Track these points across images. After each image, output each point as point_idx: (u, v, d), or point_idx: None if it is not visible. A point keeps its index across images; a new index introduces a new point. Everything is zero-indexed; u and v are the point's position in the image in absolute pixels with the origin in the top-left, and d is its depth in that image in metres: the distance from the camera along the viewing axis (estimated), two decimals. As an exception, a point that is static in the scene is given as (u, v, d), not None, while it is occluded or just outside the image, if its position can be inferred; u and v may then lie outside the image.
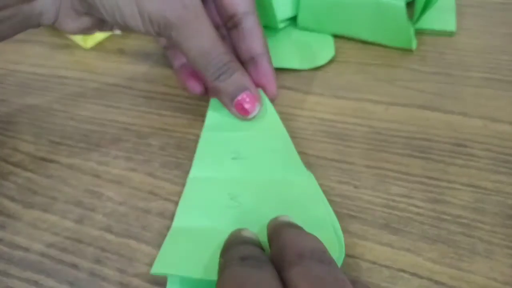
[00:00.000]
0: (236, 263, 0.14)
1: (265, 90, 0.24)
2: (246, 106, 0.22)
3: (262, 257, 0.15)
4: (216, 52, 0.21)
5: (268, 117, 0.24)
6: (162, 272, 0.17)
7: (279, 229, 0.17)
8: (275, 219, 0.18)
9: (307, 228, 0.17)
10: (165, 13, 0.19)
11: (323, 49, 0.30)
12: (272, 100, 0.24)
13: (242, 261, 0.14)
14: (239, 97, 0.22)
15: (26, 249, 0.20)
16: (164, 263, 0.17)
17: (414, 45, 0.29)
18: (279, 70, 0.28)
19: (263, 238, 0.17)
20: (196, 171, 0.22)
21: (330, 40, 0.31)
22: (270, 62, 0.24)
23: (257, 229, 0.18)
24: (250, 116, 0.23)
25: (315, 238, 0.16)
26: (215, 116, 0.24)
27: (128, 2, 0.19)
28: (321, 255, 0.15)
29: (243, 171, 0.21)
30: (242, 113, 0.22)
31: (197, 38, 0.20)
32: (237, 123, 0.23)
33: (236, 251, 0.15)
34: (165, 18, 0.20)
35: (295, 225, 0.17)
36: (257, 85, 0.24)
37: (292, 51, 0.30)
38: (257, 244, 0.17)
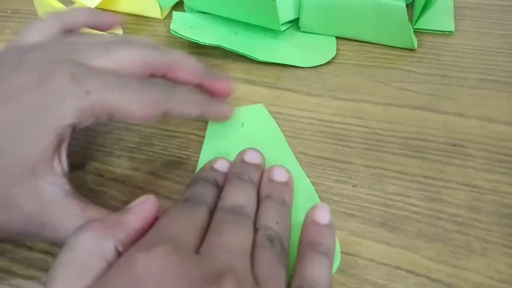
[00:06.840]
0: (179, 204, 0.18)
1: (221, 94, 0.23)
2: None
3: (203, 199, 0.18)
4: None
5: (268, 129, 0.25)
6: None
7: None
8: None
9: None
10: None
11: (326, 48, 0.30)
12: (229, 95, 0.23)
13: (184, 202, 0.18)
14: None
15: (30, 248, 0.20)
16: None
17: (415, 45, 0.30)
18: (281, 69, 0.29)
19: None
20: None
21: (333, 40, 0.31)
22: (210, 78, 0.22)
23: None
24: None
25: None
26: (216, 126, 0.25)
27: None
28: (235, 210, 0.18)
29: None
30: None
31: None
32: (236, 132, 0.24)
33: (188, 191, 0.19)
34: None
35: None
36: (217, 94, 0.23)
37: (295, 50, 0.30)
38: (219, 178, 0.20)
